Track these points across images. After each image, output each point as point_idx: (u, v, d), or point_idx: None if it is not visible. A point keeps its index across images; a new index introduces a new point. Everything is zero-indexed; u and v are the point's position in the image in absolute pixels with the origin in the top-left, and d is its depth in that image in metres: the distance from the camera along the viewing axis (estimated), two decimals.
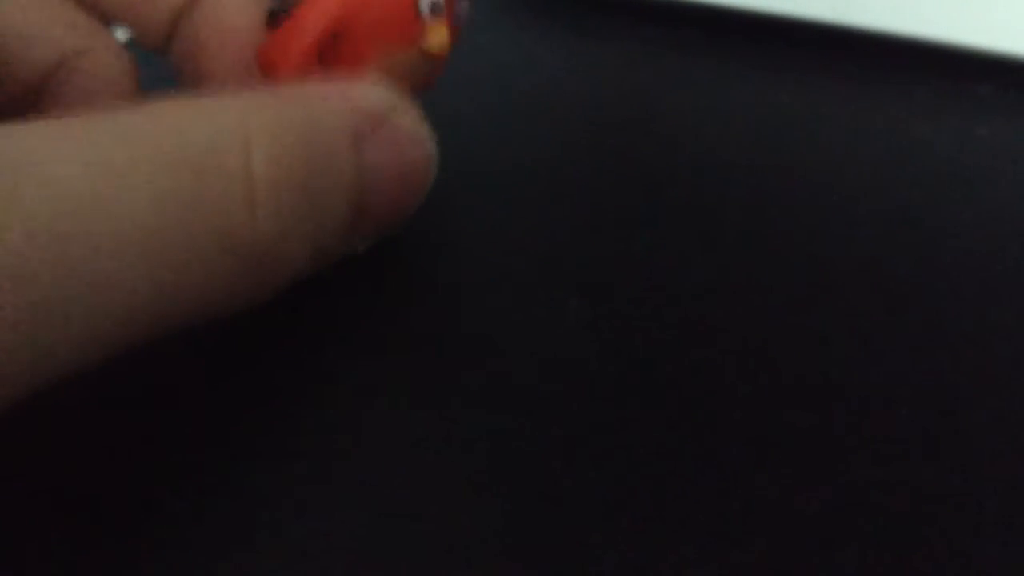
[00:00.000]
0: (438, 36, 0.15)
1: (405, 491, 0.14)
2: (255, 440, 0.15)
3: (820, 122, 0.22)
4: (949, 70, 0.23)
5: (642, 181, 0.20)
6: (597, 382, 0.16)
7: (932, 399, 0.15)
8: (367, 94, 0.15)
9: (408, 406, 0.15)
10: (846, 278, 0.18)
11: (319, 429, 0.15)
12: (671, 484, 0.14)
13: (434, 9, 0.15)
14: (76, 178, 0.11)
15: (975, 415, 0.15)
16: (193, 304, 0.12)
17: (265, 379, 0.16)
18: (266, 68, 0.15)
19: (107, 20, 0.17)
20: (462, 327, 0.17)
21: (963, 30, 0.23)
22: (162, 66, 0.18)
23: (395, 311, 0.17)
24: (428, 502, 0.14)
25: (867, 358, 0.16)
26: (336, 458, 0.15)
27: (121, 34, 0.19)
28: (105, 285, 0.11)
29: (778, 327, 0.17)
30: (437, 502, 0.14)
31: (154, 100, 0.13)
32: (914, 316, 0.17)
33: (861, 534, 0.13)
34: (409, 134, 0.15)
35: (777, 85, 0.23)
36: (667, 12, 0.24)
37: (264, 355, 0.16)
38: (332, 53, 0.15)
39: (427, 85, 0.17)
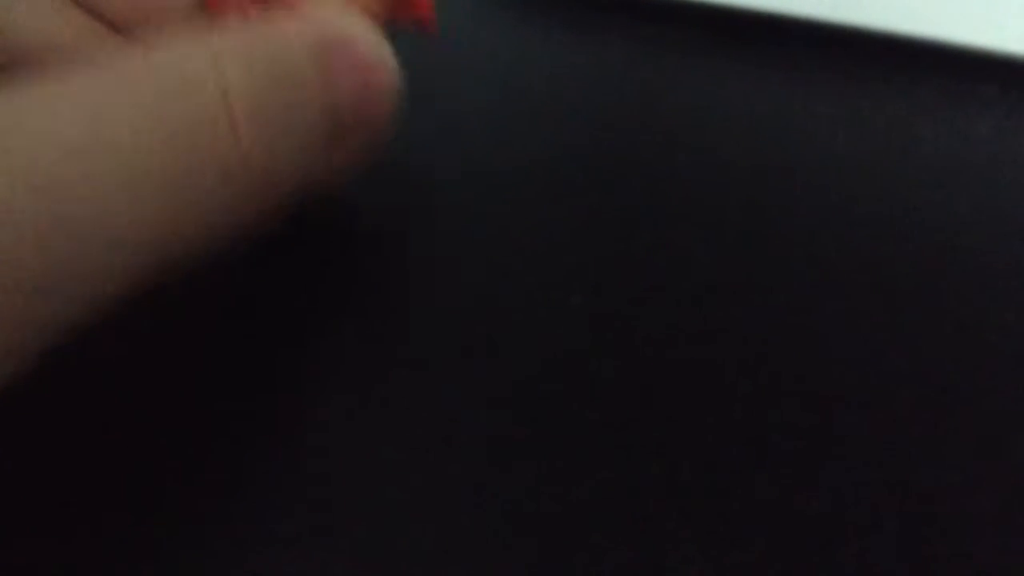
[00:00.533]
0: None
1: (405, 490, 0.14)
2: (253, 440, 0.15)
3: (820, 121, 0.22)
4: (950, 69, 0.23)
5: (642, 180, 0.20)
6: (598, 380, 0.16)
7: (932, 398, 0.15)
8: (326, 17, 0.15)
9: (409, 404, 0.15)
10: (846, 276, 0.18)
11: (317, 427, 0.15)
12: (671, 482, 0.14)
13: None
14: (63, 126, 0.11)
15: (975, 414, 0.15)
16: (196, 235, 0.13)
17: (263, 376, 0.16)
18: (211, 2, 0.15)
19: None
20: (463, 324, 0.17)
21: (964, 29, 0.23)
22: None
23: (395, 309, 0.17)
24: (428, 501, 0.14)
25: (868, 357, 0.16)
26: (335, 458, 0.15)
27: None
28: (111, 226, 0.11)
29: (778, 326, 0.17)
30: (437, 501, 0.14)
31: (130, 50, 0.13)
32: (914, 315, 0.17)
33: (861, 534, 0.13)
34: (371, 54, 0.15)
35: (777, 84, 0.23)
36: (665, 10, 0.24)
37: (262, 351, 0.16)
38: None
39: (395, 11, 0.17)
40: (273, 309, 0.17)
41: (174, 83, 0.12)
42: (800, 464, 0.14)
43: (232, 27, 0.14)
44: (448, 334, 0.17)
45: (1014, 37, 0.22)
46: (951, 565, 0.13)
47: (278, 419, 0.15)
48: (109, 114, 0.12)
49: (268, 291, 0.18)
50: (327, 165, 0.15)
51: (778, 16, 0.23)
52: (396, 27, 0.16)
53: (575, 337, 0.17)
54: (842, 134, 0.21)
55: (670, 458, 0.15)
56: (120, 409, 0.15)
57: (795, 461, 0.14)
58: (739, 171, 0.20)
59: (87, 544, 0.14)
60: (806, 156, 0.21)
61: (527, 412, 0.15)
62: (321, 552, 0.13)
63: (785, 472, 0.14)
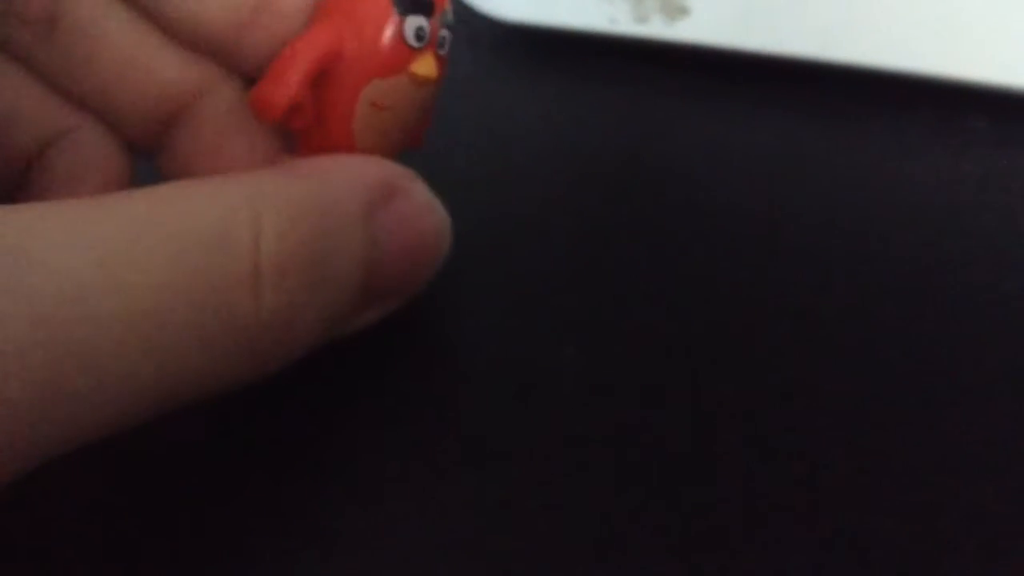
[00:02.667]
0: (427, 64, 0.15)
1: (397, 552, 0.14)
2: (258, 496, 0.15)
3: (810, 160, 0.22)
4: (939, 103, 0.23)
5: (635, 226, 0.20)
6: (594, 431, 0.16)
7: (927, 442, 0.15)
8: (376, 166, 0.15)
9: (406, 461, 0.15)
10: (837, 320, 0.18)
11: (319, 481, 0.15)
12: (671, 536, 0.14)
13: (419, 36, 0.15)
14: (81, 264, 0.11)
15: (975, 463, 0.15)
16: (197, 383, 0.12)
17: (266, 441, 0.16)
18: (259, 109, 0.15)
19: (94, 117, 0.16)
20: (455, 374, 0.17)
21: (952, 62, 0.23)
22: None
23: (390, 363, 0.17)
24: (425, 551, 0.14)
25: (862, 408, 0.16)
26: (333, 514, 0.15)
27: None
28: (110, 368, 0.11)
29: (771, 374, 0.17)
30: (436, 549, 0.14)
31: (161, 184, 0.13)
32: (905, 355, 0.17)
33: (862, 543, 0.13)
34: (420, 204, 0.15)
35: (767, 124, 0.23)
36: (657, 54, 0.25)
37: (267, 414, 0.16)
38: (325, 90, 0.15)
39: (426, 120, 0.17)
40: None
41: (206, 237, 0.12)
42: (794, 524, 0.14)
43: (277, 173, 0.14)
44: (437, 384, 0.17)
45: (1003, 69, 0.22)
46: (951, 565, 0.13)
47: (273, 486, 0.15)
48: (133, 258, 0.11)
49: None
50: (359, 320, 0.15)
51: (765, 56, 0.24)
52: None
53: (571, 386, 0.17)
54: (832, 171, 0.21)
55: (669, 508, 0.15)
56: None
57: (789, 528, 0.14)
58: (730, 213, 0.20)
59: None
60: (796, 195, 0.21)
61: (525, 464, 0.15)
62: None
63: (782, 529, 0.14)
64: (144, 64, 0.15)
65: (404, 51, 0.15)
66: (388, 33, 0.15)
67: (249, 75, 0.16)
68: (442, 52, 0.16)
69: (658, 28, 0.25)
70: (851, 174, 0.21)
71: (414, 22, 0.15)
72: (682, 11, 0.25)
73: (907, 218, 0.20)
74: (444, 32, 0.16)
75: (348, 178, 0.14)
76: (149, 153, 0.16)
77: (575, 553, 0.14)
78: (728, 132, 0.23)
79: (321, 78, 0.15)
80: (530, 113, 0.24)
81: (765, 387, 0.16)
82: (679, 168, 0.22)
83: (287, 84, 0.14)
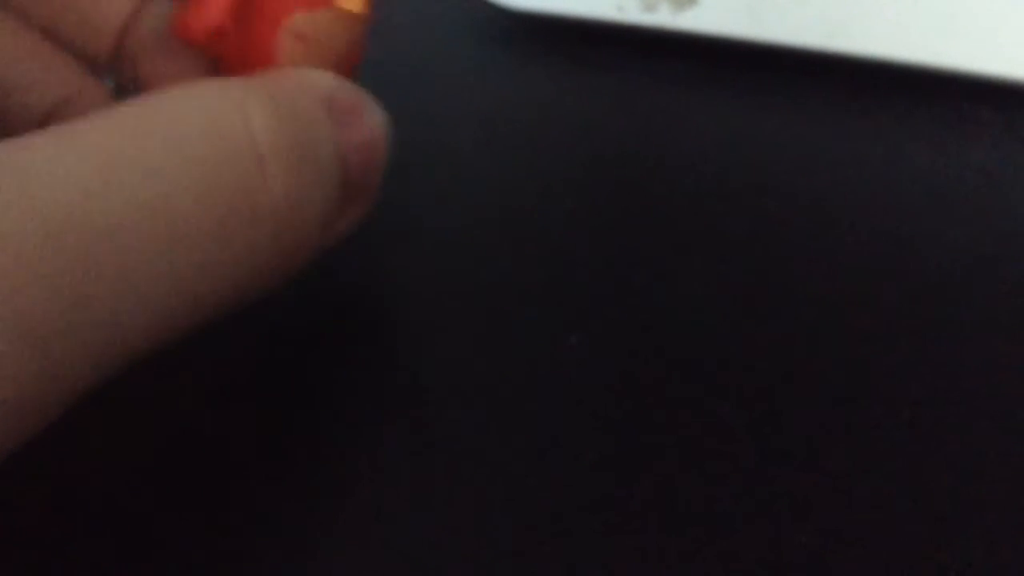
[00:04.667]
0: None
1: (407, 537, 0.14)
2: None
3: (819, 150, 0.22)
4: (945, 95, 0.23)
5: (641, 214, 0.20)
6: (598, 418, 0.16)
7: (929, 433, 0.15)
8: (320, 76, 0.15)
9: (411, 447, 0.16)
10: (846, 309, 0.18)
11: (315, 480, 0.15)
12: (674, 518, 0.14)
13: None
14: (84, 171, 0.11)
15: (975, 447, 0.15)
16: (226, 278, 0.12)
17: (260, 432, 0.16)
18: (183, 32, 0.15)
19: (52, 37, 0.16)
20: (459, 364, 0.17)
21: (959, 55, 0.23)
22: None
23: (389, 349, 0.17)
24: (431, 547, 0.14)
25: (868, 390, 0.16)
26: (334, 509, 0.15)
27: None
28: (136, 270, 0.11)
29: (779, 359, 0.17)
30: (440, 545, 0.14)
31: (141, 95, 0.13)
32: (911, 341, 0.17)
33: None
34: (365, 104, 0.15)
35: (773, 113, 0.23)
36: (663, 43, 0.24)
37: (256, 410, 0.16)
38: (245, 18, 0.15)
39: (354, 55, 0.17)
40: (264, 353, 0.17)
41: (205, 130, 0.12)
42: (792, 513, 0.14)
43: (253, 78, 0.14)
44: (444, 375, 0.17)
45: (1009, 62, 0.22)
46: (951, 565, 0.13)
47: (266, 482, 0.15)
48: (138, 159, 0.11)
49: (259, 329, 0.18)
50: (341, 221, 0.15)
51: (773, 46, 0.23)
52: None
53: (576, 373, 0.17)
54: (838, 161, 0.21)
55: (673, 495, 0.15)
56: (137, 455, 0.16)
57: (791, 506, 0.14)
58: (738, 203, 0.20)
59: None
60: (805, 185, 0.21)
61: (529, 450, 0.15)
62: None
63: (783, 515, 0.14)
64: None
65: None
66: None
67: None
68: None
69: (665, 17, 0.25)
70: (858, 164, 0.21)
71: None
72: (690, 0, 0.25)
73: (914, 208, 0.20)
74: None
75: (301, 79, 0.14)
76: (109, 66, 0.16)
77: (578, 544, 0.14)
78: (735, 122, 0.23)
79: (245, 5, 0.15)
80: (536, 101, 0.24)
81: (770, 377, 0.16)
82: (685, 157, 0.22)
83: (209, 9, 0.14)
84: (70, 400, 0.11)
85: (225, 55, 0.15)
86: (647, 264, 0.19)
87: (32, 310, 0.10)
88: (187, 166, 0.11)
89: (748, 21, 0.24)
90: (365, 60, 0.16)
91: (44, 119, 0.16)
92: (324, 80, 0.15)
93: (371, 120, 0.15)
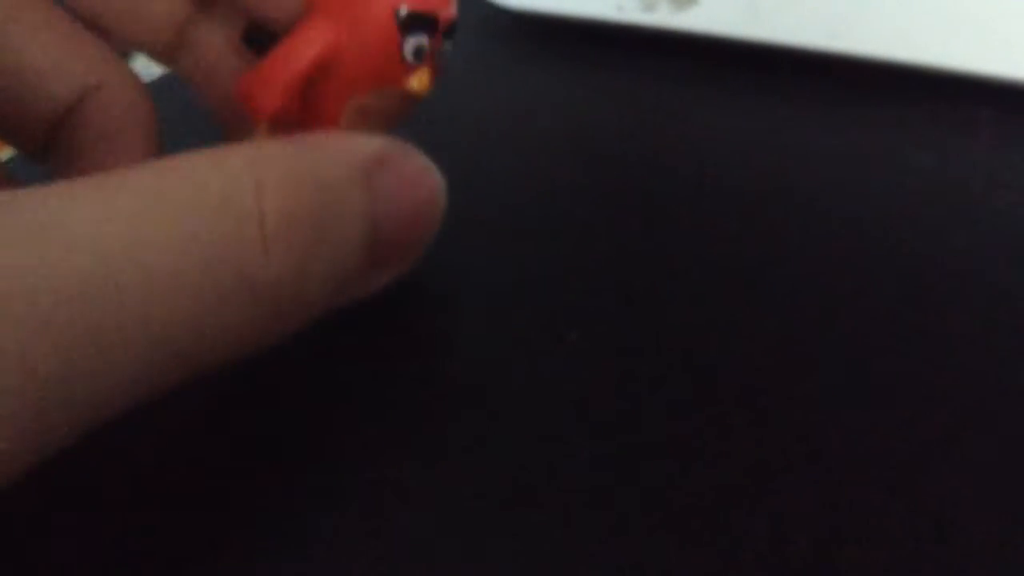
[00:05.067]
0: (421, 80, 0.15)
1: (405, 537, 0.14)
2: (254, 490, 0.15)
3: (818, 150, 0.22)
4: (944, 95, 0.23)
5: (639, 212, 0.20)
6: (597, 414, 0.16)
7: (930, 430, 0.15)
8: (369, 138, 0.15)
9: (409, 445, 0.16)
10: (843, 308, 0.18)
11: (317, 475, 0.15)
12: (671, 514, 0.14)
13: (418, 54, 0.15)
14: (101, 236, 0.11)
15: (973, 445, 0.15)
16: (220, 344, 0.13)
17: (261, 431, 0.16)
18: (247, 102, 0.15)
19: (110, 38, 0.17)
20: (460, 360, 0.17)
21: (957, 55, 0.23)
22: (177, 98, 0.18)
23: (392, 344, 0.17)
24: (430, 547, 0.14)
25: (865, 390, 0.16)
26: (334, 509, 0.15)
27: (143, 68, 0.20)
28: (136, 333, 0.11)
29: (778, 357, 0.17)
30: (438, 544, 0.14)
31: (170, 156, 0.13)
32: (910, 339, 0.17)
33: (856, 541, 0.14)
34: (416, 165, 0.16)
35: (773, 113, 0.23)
36: (664, 42, 0.25)
37: (261, 405, 0.16)
38: (314, 91, 0.15)
39: (403, 120, 0.17)
40: (263, 353, 0.17)
41: (214, 200, 0.12)
42: (792, 507, 0.14)
43: (277, 143, 0.14)
44: (443, 372, 0.17)
45: (1007, 62, 0.23)
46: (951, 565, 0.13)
47: (271, 476, 0.16)
48: (145, 225, 0.12)
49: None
50: (367, 282, 0.15)
51: (772, 45, 0.24)
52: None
53: (574, 370, 0.17)
54: (837, 160, 0.21)
55: (672, 491, 0.15)
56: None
57: (789, 501, 0.15)
58: (736, 201, 0.20)
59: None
60: (804, 184, 0.21)
61: (527, 447, 0.15)
62: None
63: (779, 511, 0.14)
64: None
65: (401, 67, 0.15)
66: (387, 48, 0.15)
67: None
68: (440, 63, 0.16)
69: (665, 16, 0.25)
70: (857, 164, 0.21)
71: (415, 41, 0.15)
72: (689, 0, 0.25)
73: (912, 207, 0.20)
74: (446, 45, 0.16)
75: (344, 145, 0.15)
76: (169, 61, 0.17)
77: (577, 541, 0.14)
78: (734, 121, 0.23)
79: (312, 83, 0.15)
80: (536, 100, 0.24)
81: (769, 374, 0.16)
82: (685, 156, 0.22)
83: (275, 91, 0.14)
84: (58, 447, 0.11)
85: (289, 128, 0.15)
86: (645, 261, 0.19)
87: (36, 367, 0.11)
88: (196, 242, 0.12)
89: (747, 21, 0.24)
90: None
91: (73, 105, 0.16)
92: (367, 146, 0.15)
93: (420, 184, 0.15)
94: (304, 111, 0.15)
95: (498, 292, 0.18)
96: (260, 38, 0.16)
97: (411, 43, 0.15)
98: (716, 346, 0.17)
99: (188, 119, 0.18)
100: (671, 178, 0.21)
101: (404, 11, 0.14)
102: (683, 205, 0.20)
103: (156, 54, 0.17)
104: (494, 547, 0.14)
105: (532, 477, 0.15)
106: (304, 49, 0.14)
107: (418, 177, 0.16)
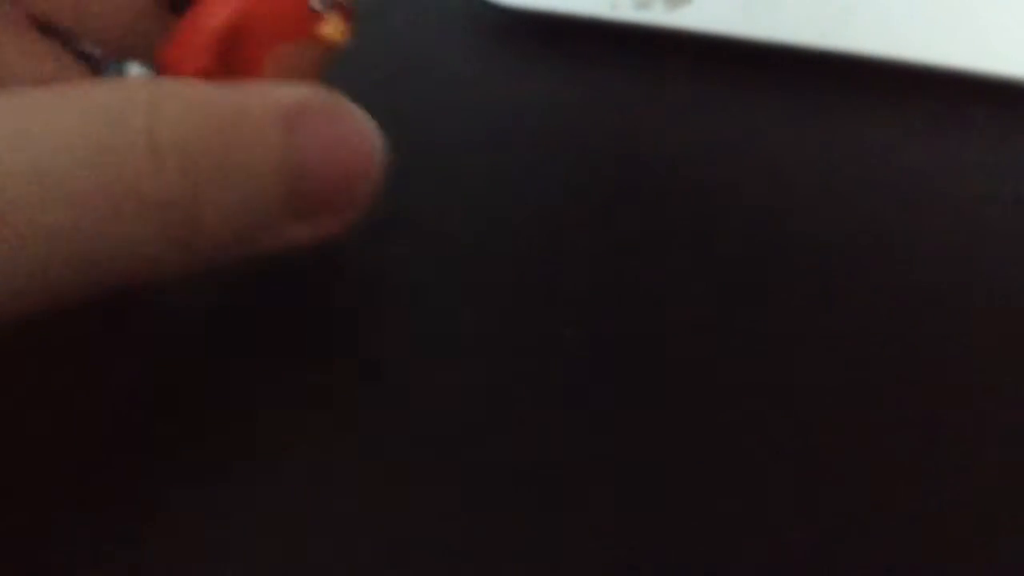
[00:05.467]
0: (336, 27, 0.15)
1: (404, 536, 0.14)
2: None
3: (810, 147, 0.22)
4: (939, 93, 0.23)
5: (635, 210, 0.20)
6: (593, 412, 0.16)
7: (920, 432, 0.15)
8: (294, 87, 0.15)
9: (409, 444, 0.15)
10: (837, 303, 0.18)
11: (313, 480, 0.15)
12: (668, 511, 0.14)
13: (324, 2, 0.15)
14: (4, 150, 0.12)
15: (975, 447, 0.15)
16: (123, 261, 0.13)
17: (254, 439, 0.16)
18: (168, 66, 0.15)
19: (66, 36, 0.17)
20: (458, 358, 0.17)
21: (953, 52, 0.23)
22: None
23: (389, 343, 0.17)
24: (428, 546, 0.14)
25: (864, 390, 0.16)
26: (332, 509, 0.15)
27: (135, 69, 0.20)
28: (31, 241, 0.12)
29: (776, 355, 0.17)
30: (437, 544, 0.14)
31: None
32: (906, 341, 0.17)
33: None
34: (347, 116, 0.15)
35: (767, 112, 0.23)
36: (658, 40, 0.24)
37: (256, 410, 0.16)
38: (231, 50, 0.15)
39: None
40: (261, 353, 0.17)
41: (108, 116, 0.13)
42: (789, 500, 0.14)
43: (185, 82, 0.14)
44: (440, 370, 0.17)
45: (1003, 59, 0.22)
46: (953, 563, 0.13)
47: (252, 479, 0.15)
48: (49, 139, 0.12)
49: (257, 329, 0.18)
50: (289, 231, 0.15)
51: (767, 43, 0.23)
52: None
53: (570, 366, 0.17)
54: (832, 158, 0.21)
55: (669, 487, 0.15)
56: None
57: (787, 494, 0.14)
58: (731, 198, 0.20)
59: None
60: (799, 182, 0.21)
61: (524, 442, 0.15)
62: None
63: (775, 507, 0.14)
64: None
65: (310, 15, 0.15)
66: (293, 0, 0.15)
67: None
68: (351, 6, 0.16)
69: (659, 14, 0.25)
70: (852, 162, 0.21)
71: None
72: None
73: (908, 206, 0.20)
74: None
75: (263, 89, 0.15)
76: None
77: (575, 540, 0.14)
78: (729, 120, 0.23)
79: (229, 42, 0.15)
80: (530, 99, 0.23)
81: (769, 372, 0.16)
82: (679, 155, 0.22)
83: (192, 53, 0.15)
84: None
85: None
86: (642, 259, 0.19)
87: None
88: (91, 150, 0.13)
89: (742, 18, 0.24)
90: (364, 61, 0.17)
91: None
92: (290, 93, 0.15)
93: (352, 136, 0.15)
94: (227, 74, 0.15)
95: (495, 290, 0.18)
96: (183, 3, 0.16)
97: None
98: (713, 344, 0.17)
99: None
100: (666, 175, 0.21)
101: None
102: (679, 202, 0.20)
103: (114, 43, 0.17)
104: (494, 547, 0.14)
105: (529, 476, 0.15)
106: (217, 7, 0.15)
107: (351, 129, 0.15)
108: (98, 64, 0.19)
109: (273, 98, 0.15)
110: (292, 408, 0.16)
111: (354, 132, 0.15)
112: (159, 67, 0.16)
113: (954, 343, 0.17)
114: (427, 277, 0.18)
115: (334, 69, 0.17)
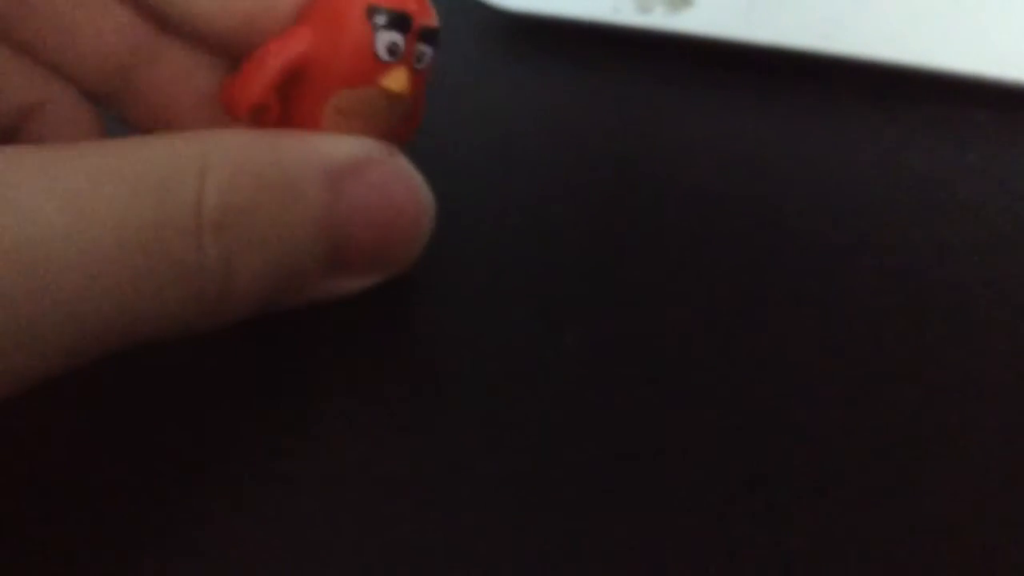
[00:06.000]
0: (398, 79, 0.15)
1: (404, 536, 0.14)
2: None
3: (811, 151, 0.22)
4: (940, 96, 0.23)
5: (636, 213, 0.20)
6: (594, 416, 0.16)
7: (920, 437, 0.15)
8: (346, 140, 0.15)
9: (405, 444, 0.15)
10: (838, 308, 0.18)
11: (313, 480, 0.15)
12: (672, 514, 0.14)
13: (392, 52, 0.15)
14: (47, 208, 0.12)
15: (974, 448, 0.15)
16: (151, 324, 0.13)
17: (253, 439, 0.16)
18: (227, 106, 0.15)
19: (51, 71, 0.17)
20: (457, 361, 0.17)
21: (954, 56, 0.23)
22: None
23: (388, 347, 0.17)
24: (428, 547, 0.14)
25: (864, 391, 0.16)
26: (331, 509, 0.15)
27: None
28: (71, 304, 0.12)
29: (776, 357, 0.17)
30: (437, 545, 0.14)
31: (125, 136, 0.13)
32: (907, 344, 0.17)
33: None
34: (395, 174, 0.15)
35: (768, 115, 0.23)
36: (659, 44, 0.25)
37: (255, 410, 0.16)
38: (293, 90, 0.15)
39: (404, 135, 0.17)
40: (260, 353, 0.17)
41: (156, 184, 0.13)
42: (786, 504, 0.14)
43: (235, 132, 0.14)
44: (440, 372, 0.17)
45: (1004, 63, 0.22)
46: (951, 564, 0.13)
47: (268, 458, 0.15)
48: (93, 203, 0.12)
49: (256, 329, 0.18)
50: (331, 284, 0.15)
51: (767, 47, 0.24)
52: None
53: (570, 370, 0.17)
54: (833, 162, 0.21)
55: (673, 491, 0.15)
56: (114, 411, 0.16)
57: (785, 499, 0.14)
58: (731, 203, 0.20)
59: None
60: (799, 186, 0.21)
61: (525, 445, 0.15)
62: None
63: (777, 506, 0.14)
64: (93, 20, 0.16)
65: (374, 64, 0.15)
66: (359, 45, 0.15)
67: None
68: (419, 67, 0.16)
69: (661, 18, 0.25)
70: (852, 166, 0.21)
71: (387, 37, 0.15)
72: (685, 2, 0.25)
73: (910, 211, 0.20)
74: (424, 48, 0.16)
75: (309, 144, 0.15)
76: (108, 103, 0.17)
77: (576, 541, 0.14)
78: (730, 123, 0.23)
79: (292, 80, 0.15)
80: (531, 102, 0.24)
81: (768, 374, 0.16)
82: (680, 158, 0.22)
83: (253, 88, 0.15)
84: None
85: (270, 126, 0.15)
86: (641, 262, 0.19)
87: None
88: (135, 222, 0.12)
89: (743, 22, 0.24)
90: None
91: (15, 123, 0.16)
92: (339, 147, 0.15)
93: (398, 192, 0.15)
94: (285, 115, 0.15)
95: (495, 292, 0.18)
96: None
97: (383, 39, 0.15)
98: (712, 346, 0.17)
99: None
100: (667, 179, 0.21)
101: (375, 7, 0.15)
102: (679, 206, 0.20)
103: (98, 85, 0.17)
104: (492, 547, 0.14)
105: (529, 476, 0.15)
106: (282, 47, 0.15)
107: (400, 189, 0.15)
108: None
109: (321, 154, 0.14)
110: (292, 408, 0.16)
111: (403, 192, 0.15)
112: (220, 98, 0.16)
113: (955, 346, 0.17)
114: (426, 277, 0.18)
115: None
